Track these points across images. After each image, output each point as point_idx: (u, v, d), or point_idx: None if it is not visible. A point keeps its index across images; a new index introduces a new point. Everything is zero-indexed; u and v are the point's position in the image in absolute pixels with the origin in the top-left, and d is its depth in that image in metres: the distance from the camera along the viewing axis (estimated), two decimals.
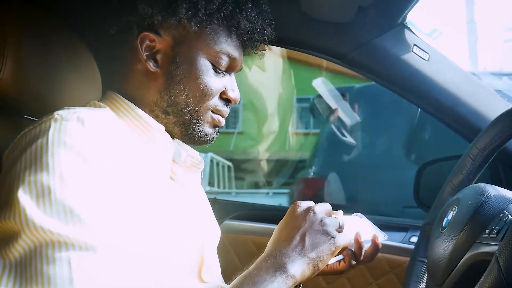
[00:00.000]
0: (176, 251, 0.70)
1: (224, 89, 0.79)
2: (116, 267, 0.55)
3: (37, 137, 0.60)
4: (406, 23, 1.14)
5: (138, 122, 0.74)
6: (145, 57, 0.74)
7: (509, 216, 0.64)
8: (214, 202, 1.01)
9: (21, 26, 0.77)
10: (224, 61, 0.77)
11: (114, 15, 0.74)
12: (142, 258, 0.63)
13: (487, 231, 0.65)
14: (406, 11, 1.09)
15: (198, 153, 0.85)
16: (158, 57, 0.75)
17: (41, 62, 0.80)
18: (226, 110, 0.81)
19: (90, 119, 0.63)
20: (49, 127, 0.60)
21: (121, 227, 0.59)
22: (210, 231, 0.85)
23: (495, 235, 0.62)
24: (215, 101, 0.78)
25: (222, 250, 0.90)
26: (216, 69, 0.77)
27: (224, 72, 0.79)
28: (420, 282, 0.87)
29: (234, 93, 0.80)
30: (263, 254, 0.67)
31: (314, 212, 0.70)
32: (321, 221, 0.69)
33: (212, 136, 0.81)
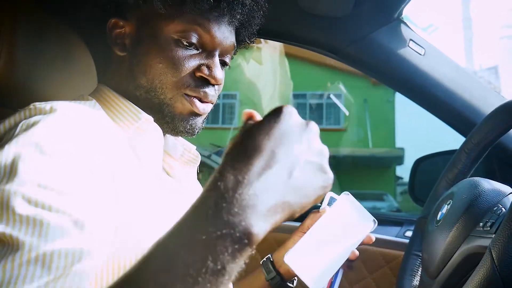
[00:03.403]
0: None
1: (197, 66, 0.72)
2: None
3: (10, 128, 0.59)
4: (402, 17, 1.14)
5: (126, 114, 0.72)
6: (114, 42, 0.73)
7: (503, 209, 0.64)
8: None
9: (15, 20, 0.76)
10: (193, 34, 0.70)
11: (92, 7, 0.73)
12: (132, 253, 0.61)
13: (481, 224, 0.65)
14: (403, 6, 1.09)
15: (195, 147, 0.85)
16: (126, 41, 0.73)
17: (36, 56, 0.80)
18: (204, 91, 0.72)
19: (62, 112, 0.60)
20: (22, 119, 0.59)
21: (91, 224, 0.54)
22: None
23: (489, 228, 0.62)
24: (186, 80, 0.71)
25: None
26: (183, 44, 0.71)
27: (197, 48, 0.72)
28: (414, 276, 0.88)
29: (210, 71, 0.72)
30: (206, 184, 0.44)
31: (314, 131, 0.47)
32: (321, 149, 0.47)
33: (192, 125, 0.74)
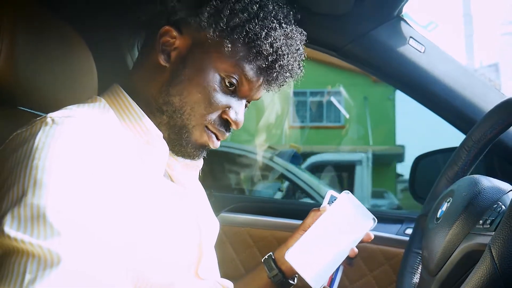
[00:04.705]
0: (172, 250, 0.69)
1: (226, 109, 0.75)
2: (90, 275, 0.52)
3: (26, 140, 0.59)
4: (402, 15, 1.13)
5: (138, 125, 0.73)
6: (160, 49, 0.74)
7: (503, 206, 0.64)
8: (210, 195, 1.01)
9: (16, 18, 0.76)
10: (236, 78, 0.73)
11: (142, 4, 0.75)
12: (136, 257, 0.63)
13: (481, 221, 0.65)
14: (402, 3, 1.08)
15: None
16: (173, 53, 0.74)
17: (37, 54, 0.80)
18: (223, 131, 0.76)
19: (80, 124, 0.62)
20: (38, 130, 0.59)
21: (104, 233, 0.57)
22: (209, 229, 0.85)
23: (489, 226, 0.62)
24: (213, 117, 0.74)
25: (218, 242, 0.91)
26: (225, 83, 0.73)
27: (234, 93, 0.75)
28: (414, 273, 0.88)
29: (236, 115, 0.76)
30: None
31: None
32: None
33: (196, 154, 0.77)
